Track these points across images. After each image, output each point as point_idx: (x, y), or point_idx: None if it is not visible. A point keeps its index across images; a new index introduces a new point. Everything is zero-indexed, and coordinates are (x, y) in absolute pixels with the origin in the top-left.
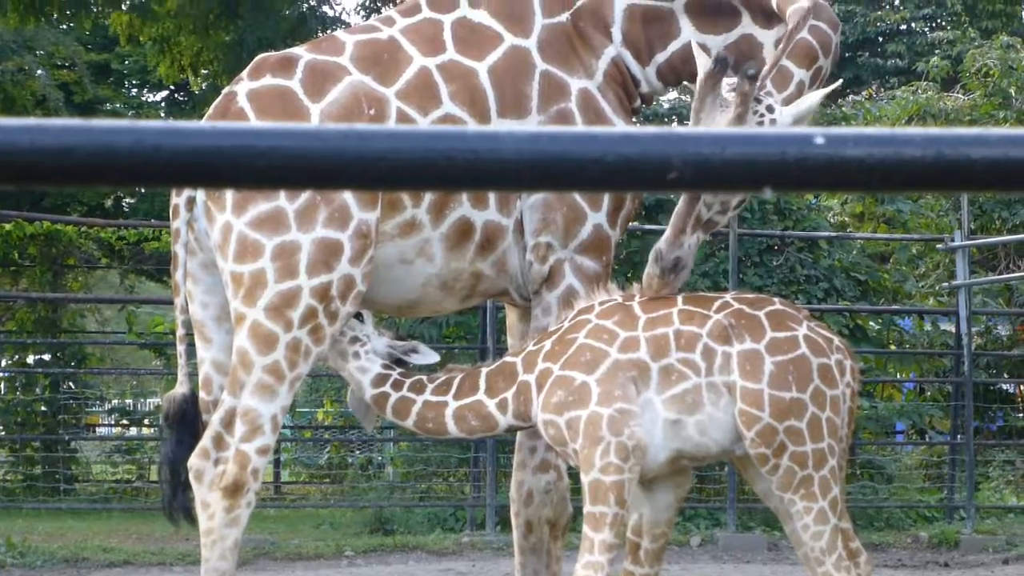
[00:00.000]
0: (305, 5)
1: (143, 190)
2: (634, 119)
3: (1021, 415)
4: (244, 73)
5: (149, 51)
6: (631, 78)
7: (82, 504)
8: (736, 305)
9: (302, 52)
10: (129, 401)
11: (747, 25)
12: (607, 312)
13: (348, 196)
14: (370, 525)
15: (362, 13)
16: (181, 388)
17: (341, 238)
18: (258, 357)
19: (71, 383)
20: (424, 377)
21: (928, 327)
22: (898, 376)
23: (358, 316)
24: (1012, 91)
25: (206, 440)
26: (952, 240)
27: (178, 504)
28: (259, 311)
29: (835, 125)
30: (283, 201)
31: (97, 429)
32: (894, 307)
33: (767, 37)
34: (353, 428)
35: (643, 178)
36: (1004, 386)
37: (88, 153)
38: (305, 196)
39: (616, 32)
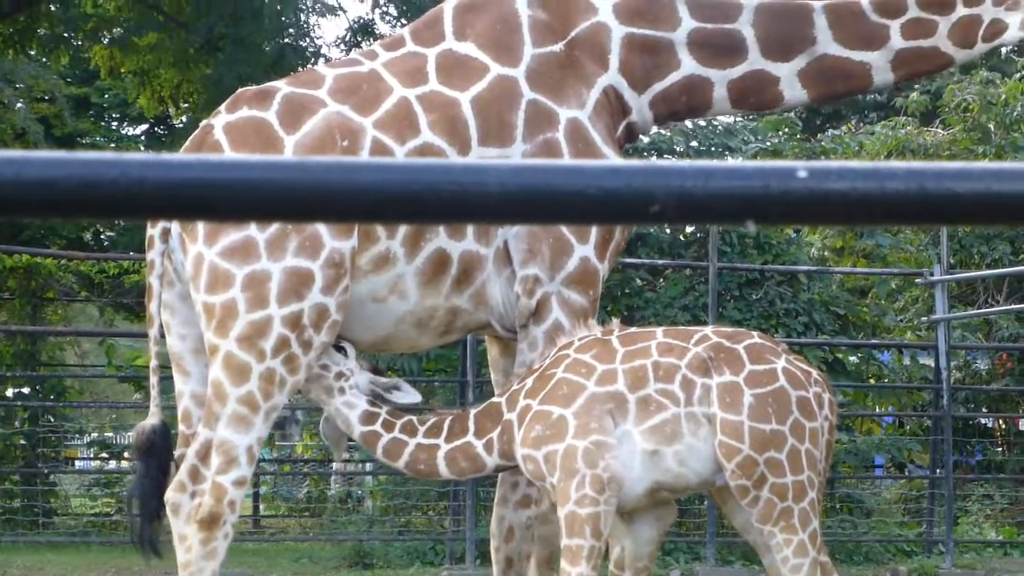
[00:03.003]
0: (285, 39)
1: (122, 223)
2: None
3: (1000, 449)
4: (222, 106)
5: (129, 83)
6: (624, 106)
7: (61, 537)
8: (715, 338)
9: (280, 85)
10: (109, 434)
11: (756, 60)
12: (586, 346)
13: (320, 225)
14: (349, 559)
15: (342, 47)
16: (151, 419)
17: (312, 267)
18: (232, 388)
19: (50, 416)
20: (415, 419)
21: (907, 361)
22: (877, 410)
23: (342, 350)
24: (991, 126)
25: (182, 474)
26: (931, 275)
27: (145, 536)
28: (231, 342)
29: (815, 159)
30: (253, 231)
31: (76, 462)
32: (873, 341)
33: (783, 69)
34: (332, 461)
35: (625, 211)
36: (983, 420)
37: (74, 185)
38: (275, 225)
39: (613, 60)
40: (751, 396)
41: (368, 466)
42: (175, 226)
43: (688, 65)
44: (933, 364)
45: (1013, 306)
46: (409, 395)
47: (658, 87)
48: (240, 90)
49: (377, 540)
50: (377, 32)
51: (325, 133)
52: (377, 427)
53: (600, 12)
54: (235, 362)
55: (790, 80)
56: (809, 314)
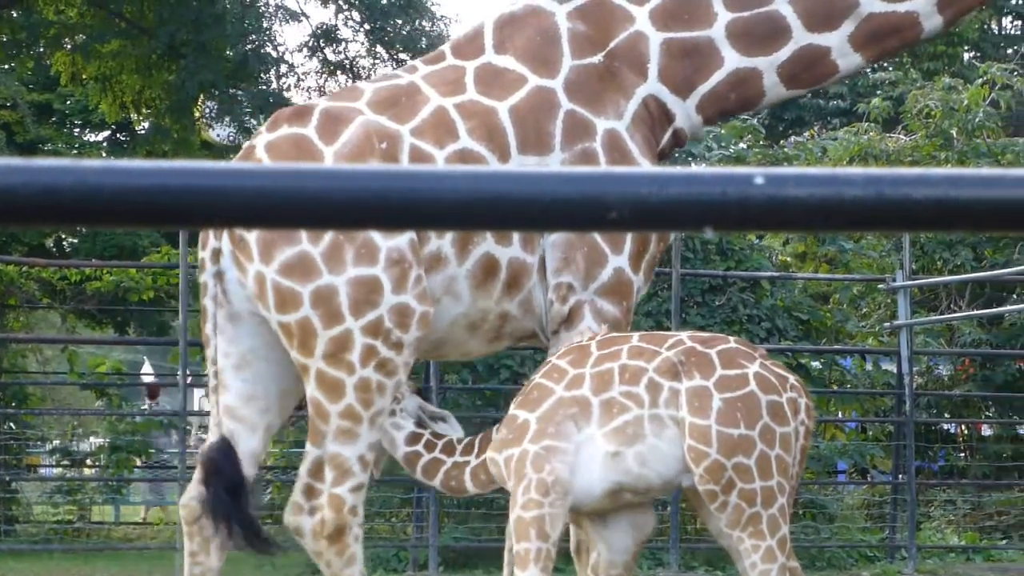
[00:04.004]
0: (248, 45)
1: (83, 230)
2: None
3: (962, 455)
4: (263, 127)
5: (91, 90)
6: (667, 114)
7: (22, 545)
8: (689, 343)
9: (319, 101)
10: (71, 441)
11: (800, 36)
12: (567, 352)
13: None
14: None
15: (305, 52)
16: (211, 437)
17: (375, 272)
18: (331, 406)
19: (11, 423)
20: (454, 439)
21: (870, 367)
22: (840, 415)
23: None
24: (953, 132)
25: (297, 495)
26: (894, 280)
27: (253, 539)
28: (319, 360)
29: (778, 166)
30: (307, 245)
31: (39, 469)
32: (836, 347)
33: (833, 39)
34: (295, 468)
35: (583, 218)
36: (945, 426)
37: (33, 193)
38: (328, 238)
39: (652, 69)
40: (720, 400)
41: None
42: (225, 245)
43: (732, 59)
44: (896, 370)
45: (975, 312)
46: (454, 429)
47: (703, 89)
48: (279, 111)
49: None
50: (340, 37)
51: (363, 139)
52: (419, 447)
53: (638, 21)
54: (327, 379)
55: (841, 48)
56: (772, 320)
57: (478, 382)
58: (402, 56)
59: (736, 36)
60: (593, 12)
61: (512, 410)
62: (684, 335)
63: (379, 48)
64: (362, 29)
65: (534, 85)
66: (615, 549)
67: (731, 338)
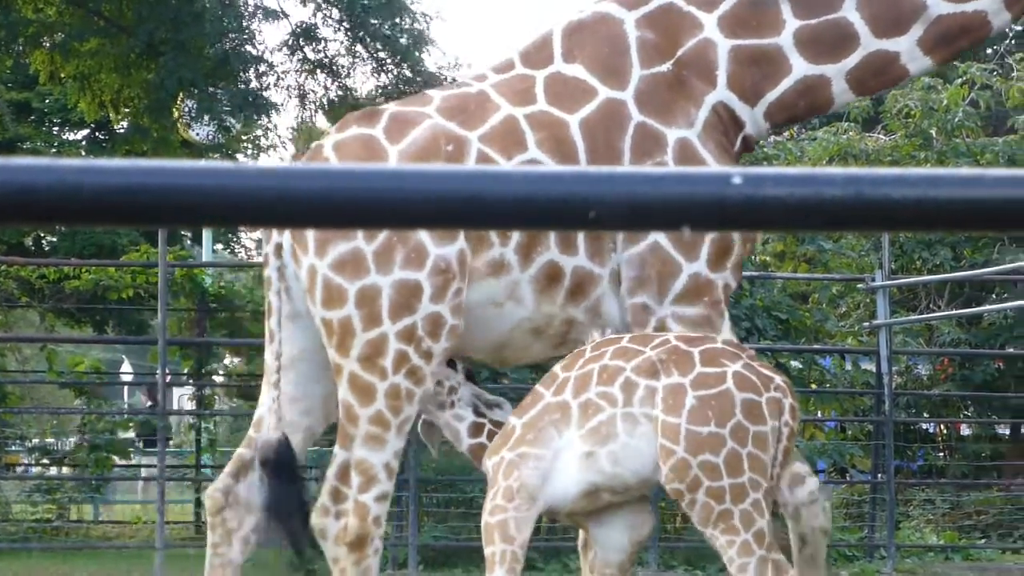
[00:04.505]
0: (227, 44)
1: (62, 228)
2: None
3: (941, 454)
4: (333, 128)
5: (70, 88)
6: (736, 121)
7: (1, 544)
8: (674, 342)
9: (389, 106)
10: (50, 440)
11: (869, 42)
12: (566, 357)
13: (423, 233)
14: (292, 565)
15: (284, 50)
16: (274, 434)
17: (419, 278)
18: (361, 409)
19: None
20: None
21: (849, 366)
22: (819, 415)
23: (452, 364)
24: (933, 132)
25: (324, 497)
26: (873, 280)
27: (299, 542)
28: (353, 362)
29: (757, 165)
30: (361, 242)
31: (17, 468)
32: (815, 346)
33: (902, 43)
34: None
35: (564, 218)
36: (924, 425)
37: (10, 192)
38: (382, 237)
39: (720, 76)
40: (693, 398)
41: (311, 472)
42: (286, 240)
43: (800, 67)
44: (875, 369)
45: (954, 311)
46: (509, 414)
47: (771, 96)
48: (349, 113)
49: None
50: (319, 36)
51: (430, 141)
52: (483, 439)
53: (706, 28)
54: (360, 383)
55: (911, 52)
56: (751, 319)
57: None
58: (381, 55)
59: (804, 43)
60: (661, 19)
61: (510, 416)
62: (672, 335)
63: (359, 47)
64: (342, 27)
65: (604, 97)
66: (609, 548)
67: (719, 338)
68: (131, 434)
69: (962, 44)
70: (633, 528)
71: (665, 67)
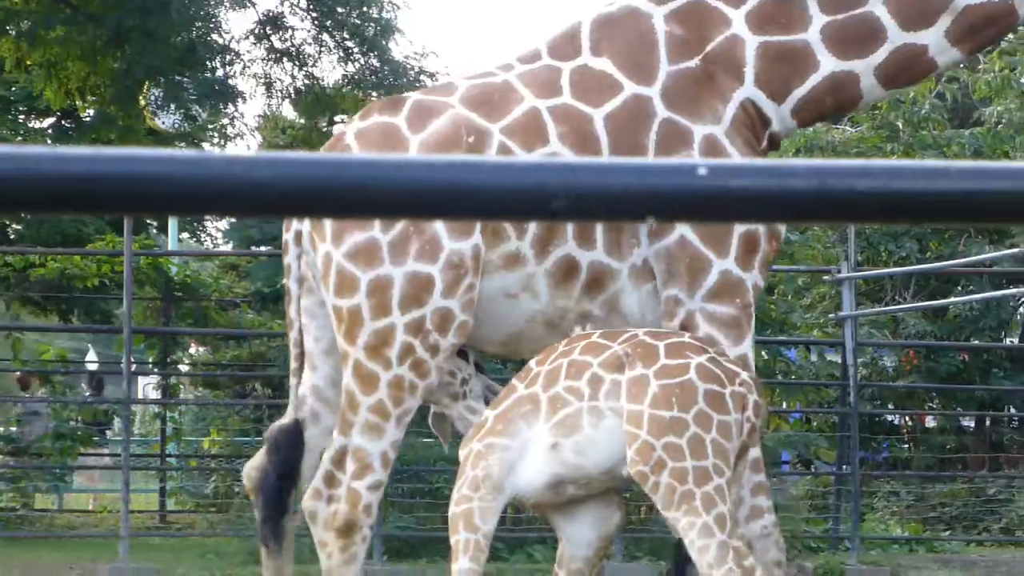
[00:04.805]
0: (194, 32)
1: (28, 216)
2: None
3: (906, 446)
4: (356, 116)
5: (36, 76)
6: (763, 118)
7: None
8: (641, 337)
9: (413, 94)
10: (14, 429)
11: (896, 37)
12: (542, 352)
13: (439, 226)
14: (256, 554)
15: (251, 39)
16: (284, 419)
17: (432, 271)
18: (363, 397)
19: None
20: None
21: (814, 358)
22: (784, 406)
23: (464, 355)
24: (899, 124)
25: (318, 480)
26: (839, 271)
27: (267, 529)
28: (359, 350)
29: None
30: (377, 232)
31: None
32: (780, 338)
33: (929, 36)
34: (240, 457)
35: (528, 207)
36: (889, 417)
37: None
38: (399, 227)
39: (748, 73)
40: (656, 386)
41: None
42: (305, 228)
43: (828, 64)
44: (840, 361)
45: (920, 303)
46: None
47: (799, 93)
48: (372, 101)
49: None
50: (286, 25)
51: (451, 131)
52: None
53: (734, 24)
54: (364, 371)
55: (939, 44)
56: None
57: None
58: (348, 43)
59: (831, 39)
60: (690, 15)
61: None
62: (642, 331)
63: (325, 36)
64: (308, 16)
65: (631, 93)
66: (575, 543)
67: (686, 335)
68: (94, 423)
69: (989, 34)
70: (599, 523)
71: (693, 63)
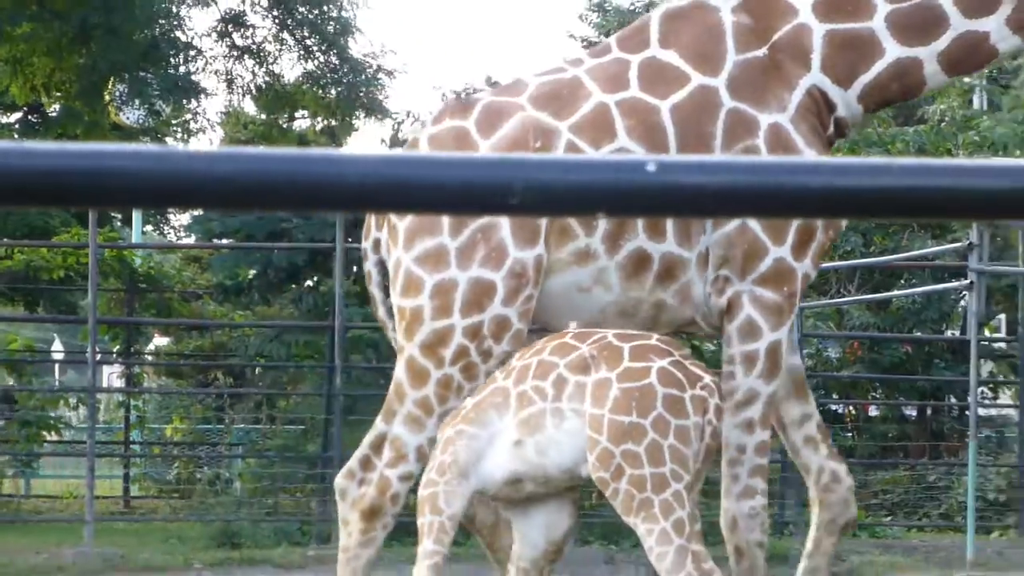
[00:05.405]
0: (157, 30)
1: None
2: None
3: (850, 435)
4: (429, 119)
5: (2, 71)
6: (829, 104)
7: None
8: (608, 339)
9: (483, 95)
10: None
11: (959, 24)
12: (525, 347)
13: (506, 234)
14: (218, 539)
15: (214, 36)
16: None
17: (495, 278)
18: (411, 391)
19: None
20: None
21: None
22: None
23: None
24: None
25: (353, 461)
26: None
27: None
28: (415, 347)
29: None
30: (446, 238)
31: None
32: None
33: (990, 23)
34: (202, 444)
35: (487, 202)
36: (834, 407)
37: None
38: (467, 233)
39: (815, 59)
40: (617, 390)
41: (238, 449)
42: (383, 235)
43: (893, 50)
44: None
45: (864, 296)
46: None
47: (865, 79)
48: (446, 103)
49: (245, 521)
50: (247, 23)
51: (519, 134)
52: None
53: (801, 13)
54: (416, 366)
55: (1000, 31)
56: None
57: (381, 361)
58: (309, 41)
59: (896, 26)
60: (757, 5)
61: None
62: (611, 332)
63: (286, 34)
64: (270, 15)
65: (697, 84)
66: (525, 542)
67: (654, 336)
68: (60, 411)
69: None
70: (550, 527)
71: (760, 52)
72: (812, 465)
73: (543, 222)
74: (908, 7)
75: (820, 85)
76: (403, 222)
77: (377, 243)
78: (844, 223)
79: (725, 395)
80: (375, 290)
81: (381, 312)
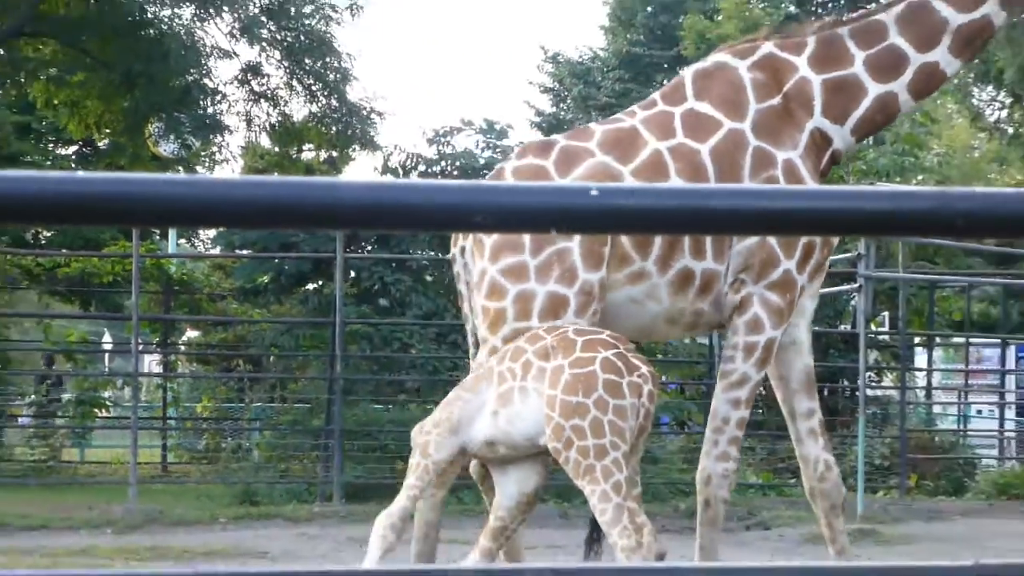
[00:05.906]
0: (189, 78)
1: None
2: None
3: (760, 410)
4: (513, 154)
5: (61, 113)
6: (827, 140)
7: (6, 479)
8: (568, 334)
9: (559, 138)
10: (45, 396)
11: (916, 58)
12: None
13: (576, 258)
14: (239, 498)
15: (235, 83)
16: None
17: (568, 294)
18: None
19: None
20: None
21: (687, 340)
22: (664, 379)
23: None
24: None
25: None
26: None
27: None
28: (499, 339)
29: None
30: (527, 256)
31: (18, 419)
32: None
33: (938, 54)
34: (226, 419)
35: (455, 221)
36: None
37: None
38: (545, 254)
39: (817, 105)
40: (568, 375)
41: (256, 423)
42: (468, 244)
43: (873, 88)
44: (707, 343)
45: None
46: None
47: (856, 114)
48: (528, 142)
49: (262, 483)
50: (263, 72)
51: (590, 176)
52: None
53: (801, 69)
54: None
55: (946, 59)
56: None
57: (375, 351)
58: (314, 87)
59: (872, 68)
60: (767, 64)
61: None
62: (571, 329)
63: (295, 81)
64: (282, 65)
65: (728, 128)
66: (503, 493)
67: (606, 332)
68: (109, 392)
69: (979, 43)
70: (521, 481)
71: (775, 101)
72: (811, 456)
73: (606, 250)
74: (878, 51)
75: (821, 127)
76: (489, 238)
77: (463, 250)
78: (835, 242)
79: (722, 376)
80: (462, 287)
81: (466, 307)
